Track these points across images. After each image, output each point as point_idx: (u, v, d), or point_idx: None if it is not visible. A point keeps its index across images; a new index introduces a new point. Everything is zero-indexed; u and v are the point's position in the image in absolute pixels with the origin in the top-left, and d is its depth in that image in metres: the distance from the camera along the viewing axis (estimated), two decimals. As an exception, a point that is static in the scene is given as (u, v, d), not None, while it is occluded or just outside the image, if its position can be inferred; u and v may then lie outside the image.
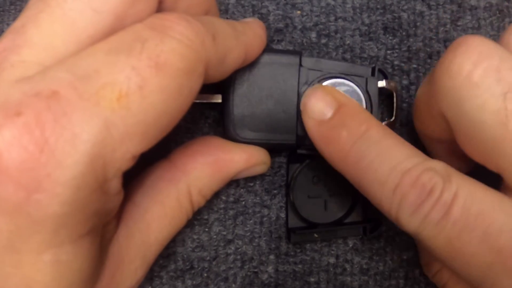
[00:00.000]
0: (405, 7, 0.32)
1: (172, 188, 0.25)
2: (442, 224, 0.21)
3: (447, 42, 0.31)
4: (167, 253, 0.30)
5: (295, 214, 0.30)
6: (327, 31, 0.31)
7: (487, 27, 0.32)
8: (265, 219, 0.31)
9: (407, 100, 0.31)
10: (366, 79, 0.28)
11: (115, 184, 0.19)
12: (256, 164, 0.28)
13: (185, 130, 0.31)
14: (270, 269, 0.30)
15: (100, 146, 0.17)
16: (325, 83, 0.27)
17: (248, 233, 0.31)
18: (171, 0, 0.22)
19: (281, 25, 0.31)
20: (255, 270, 0.30)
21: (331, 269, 0.31)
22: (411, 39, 0.31)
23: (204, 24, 0.21)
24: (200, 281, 0.30)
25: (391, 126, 0.29)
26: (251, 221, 0.31)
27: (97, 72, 0.18)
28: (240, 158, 0.27)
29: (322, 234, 0.30)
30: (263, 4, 0.31)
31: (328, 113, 0.25)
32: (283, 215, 0.31)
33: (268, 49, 0.27)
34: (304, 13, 0.31)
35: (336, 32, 0.31)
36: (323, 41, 0.31)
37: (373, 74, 0.28)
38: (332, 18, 0.32)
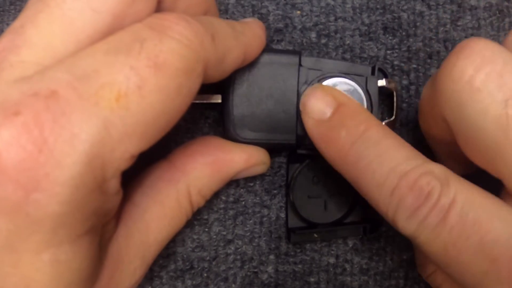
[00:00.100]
0: (405, 7, 0.32)
1: (172, 188, 0.25)
2: (438, 229, 0.21)
3: (447, 42, 0.31)
4: (167, 253, 0.30)
5: (295, 214, 0.30)
6: (327, 31, 0.31)
7: (487, 27, 0.32)
8: (265, 219, 0.31)
9: (407, 100, 0.31)
10: (366, 78, 0.28)
11: (114, 184, 0.19)
12: (255, 164, 0.28)
13: (185, 130, 0.31)
14: (270, 269, 0.30)
15: (98, 146, 0.17)
16: (325, 83, 0.27)
17: (248, 233, 0.31)
18: (170, 0, 0.22)
19: (281, 25, 0.31)
20: (255, 270, 0.30)
21: (331, 269, 0.31)
22: (411, 39, 0.31)
23: (203, 24, 0.21)
24: (200, 281, 0.30)
25: (392, 125, 0.29)
26: (251, 221, 0.31)
27: (96, 72, 0.18)
28: (239, 158, 0.27)
29: (322, 234, 0.30)
30: (263, 4, 0.31)
31: (328, 112, 0.25)
32: (283, 215, 0.31)
33: (267, 49, 0.27)
34: (304, 13, 0.31)
35: (336, 32, 0.31)
36: (323, 41, 0.31)
37: (373, 73, 0.28)
38: (332, 18, 0.32)
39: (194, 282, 0.30)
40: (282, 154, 0.31)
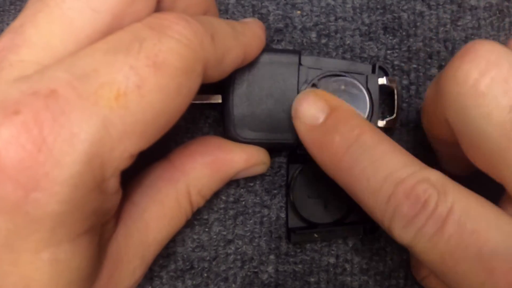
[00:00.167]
0: (405, 7, 0.32)
1: (171, 188, 0.25)
2: (435, 239, 0.20)
3: (447, 42, 0.31)
4: (167, 253, 0.30)
5: (295, 214, 0.30)
6: (327, 31, 0.31)
7: (487, 27, 0.32)
8: (265, 219, 0.31)
9: (407, 100, 0.31)
10: (367, 76, 0.28)
11: (113, 183, 0.19)
12: (255, 164, 0.28)
13: (185, 130, 0.31)
14: (270, 269, 0.30)
15: (98, 145, 0.17)
16: (325, 81, 0.27)
17: (248, 233, 0.31)
18: (170, 0, 0.22)
19: (281, 25, 0.31)
20: (255, 270, 0.30)
21: (331, 269, 0.31)
22: (411, 39, 0.31)
23: (202, 24, 0.21)
24: (200, 281, 0.30)
25: (392, 123, 0.29)
26: (251, 221, 0.31)
27: (95, 71, 0.18)
28: (239, 158, 0.27)
29: (322, 234, 0.30)
30: (263, 4, 0.31)
31: (320, 117, 0.24)
32: (283, 215, 0.31)
33: (267, 48, 0.27)
34: (304, 13, 0.31)
35: (336, 32, 0.31)
36: (323, 41, 0.31)
37: (373, 71, 0.28)
38: (332, 18, 0.32)
39: (194, 282, 0.30)
40: (282, 154, 0.31)
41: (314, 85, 0.27)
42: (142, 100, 0.18)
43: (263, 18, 0.31)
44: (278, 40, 0.31)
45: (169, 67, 0.19)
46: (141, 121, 0.18)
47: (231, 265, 0.30)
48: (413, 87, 0.31)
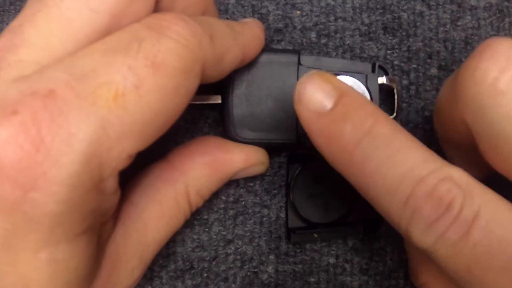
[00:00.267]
0: (405, 7, 0.32)
1: (170, 188, 0.25)
2: (459, 246, 0.19)
3: (447, 42, 0.31)
4: (167, 253, 0.30)
5: (295, 214, 0.30)
6: (327, 31, 0.31)
7: (487, 27, 0.32)
8: (265, 219, 0.31)
9: (407, 100, 0.31)
10: (366, 75, 0.28)
11: (111, 183, 0.19)
12: (254, 164, 0.28)
13: (185, 130, 0.31)
14: (270, 269, 0.30)
15: (96, 145, 0.17)
16: None
17: (248, 233, 0.31)
18: (168, 0, 0.22)
19: (280, 25, 0.31)
20: (255, 270, 0.30)
21: (331, 269, 0.31)
22: (411, 39, 0.31)
23: (201, 24, 0.21)
24: (200, 281, 0.30)
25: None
26: (251, 221, 0.31)
27: (94, 71, 0.18)
28: (238, 158, 0.27)
29: (322, 234, 0.30)
30: (263, 4, 0.31)
31: (328, 104, 0.21)
32: (283, 215, 0.31)
33: (266, 48, 0.27)
34: (304, 13, 0.31)
35: (336, 32, 0.31)
36: (323, 41, 0.31)
37: (373, 70, 0.28)
38: (332, 18, 0.31)
39: (194, 282, 0.30)
40: (282, 154, 0.31)
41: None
42: (141, 100, 0.18)
43: (262, 18, 0.31)
44: (278, 40, 0.31)
45: (168, 67, 0.19)
46: (139, 121, 0.18)
47: (231, 265, 0.30)
48: (413, 87, 0.31)
